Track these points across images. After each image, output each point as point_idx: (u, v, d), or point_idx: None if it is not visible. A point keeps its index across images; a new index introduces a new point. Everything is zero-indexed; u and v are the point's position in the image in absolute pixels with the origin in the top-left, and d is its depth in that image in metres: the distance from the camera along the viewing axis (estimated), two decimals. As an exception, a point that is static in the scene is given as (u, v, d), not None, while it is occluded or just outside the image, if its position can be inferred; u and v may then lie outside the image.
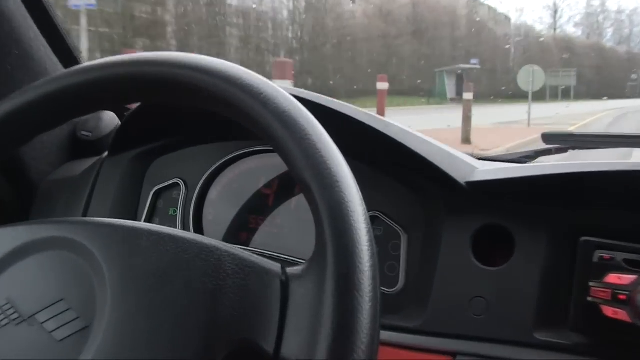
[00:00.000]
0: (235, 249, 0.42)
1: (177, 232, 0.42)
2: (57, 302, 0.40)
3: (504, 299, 0.68)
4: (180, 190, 0.85)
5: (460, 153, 0.76)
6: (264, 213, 0.82)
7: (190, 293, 0.39)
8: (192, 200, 0.84)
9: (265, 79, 0.44)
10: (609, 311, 0.64)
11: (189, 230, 0.83)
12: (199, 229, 0.84)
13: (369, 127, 0.71)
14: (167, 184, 0.87)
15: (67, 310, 0.39)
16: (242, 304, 0.39)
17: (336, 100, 0.74)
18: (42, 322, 0.39)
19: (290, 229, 0.80)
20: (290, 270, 0.41)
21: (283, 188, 0.82)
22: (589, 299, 0.65)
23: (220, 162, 0.84)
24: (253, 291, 0.40)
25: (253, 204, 0.83)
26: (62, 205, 0.88)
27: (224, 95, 0.43)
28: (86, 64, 0.49)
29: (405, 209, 0.75)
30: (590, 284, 0.65)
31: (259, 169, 0.83)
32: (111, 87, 0.47)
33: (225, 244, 0.42)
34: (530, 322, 0.67)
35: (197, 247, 0.41)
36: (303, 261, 0.73)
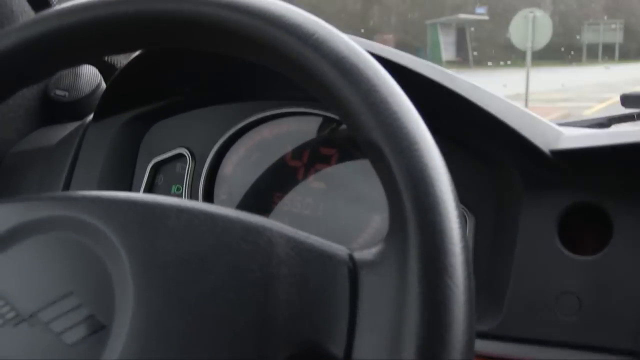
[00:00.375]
0: (289, 229, 0.38)
1: (214, 207, 0.38)
2: (65, 296, 0.36)
3: (600, 295, 0.60)
4: (186, 163, 0.78)
5: (539, 116, 0.67)
6: (292, 190, 0.75)
7: (235, 284, 0.36)
8: (201, 175, 0.77)
9: (317, 19, 0.40)
10: None
11: None
12: None
13: (429, 81, 0.62)
14: (168, 155, 0.79)
15: (78, 306, 0.36)
16: (301, 297, 0.36)
17: (384, 46, 0.65)
18: (48, 322, 0.36)
19: (326, 209, 0.72)
20: (358, 254, 0.38)
21: (316, 158, 0.74)
22: None
23: (237, 127, 0.76)
24: (314, 281, 0.37)
25: (278, 179, 0.76)
26: (35, 182, 0.79)
27: (264, 39, 0.39)
28: (72, 2, 0.43)
29: (472, 185, 0.67)
30: None
31: (284, 136, 0.75)
32: (110, 31, 0.42)
33: (275, 222, 0.38)
34: (634, 325, 0.60)
35: (240, 226, 0.37)
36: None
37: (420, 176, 0.35)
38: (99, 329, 0.36)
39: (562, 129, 0.66)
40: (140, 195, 0.40)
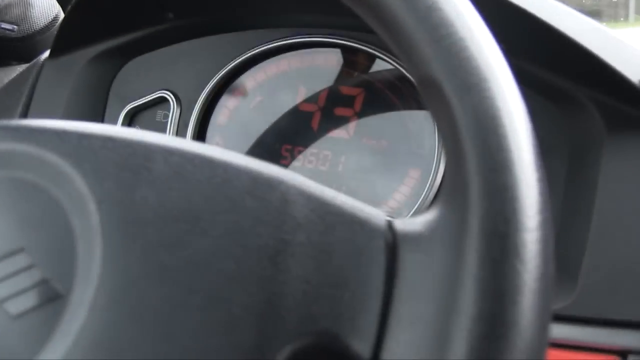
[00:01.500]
0: (311, 185, 0.35)
1: (214, 151, 0.36)
2: (14, 253, 0.34)
3: None
4: (170, 110, 0.74)
5: (627, 38, 0.64)
6: (305, 141, 0.71)
7: (236, 250, 0.33)
8: (188, 125, 0.72)
9: None
10: None
11: None
12: None
13: None
14: (147, 99, 0.74)
15: (29, 267, 0.33)
16: (320, 274, 0.34)
17: None
18: None
19: (349, 165, 0.69)
20: (400, 224, 0.35)
21: (336, 101, 0.70)
22: None
23: (233, 63, 0.72)
24: (340, 254, 0.34)
25: (287, 127, 0.72)
26: None
27: None
28: None
29: (538, 128, 0.63)
30: None
31: (294, 74, 0.72)
32: None
33: (294, 175, 0.35)
34: None
35: (248, 176, 0.34)
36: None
37: (491, 123, 0.32)
38: (53, 298, 0.33)
39: None
40: (119, 130, 0.36)
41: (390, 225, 0.35)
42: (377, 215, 0.36)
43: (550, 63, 0.62)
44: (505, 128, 0.32)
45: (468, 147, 0.32)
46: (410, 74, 0.35)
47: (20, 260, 0.34)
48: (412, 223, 0.35)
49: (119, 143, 0.35)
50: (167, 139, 0.36)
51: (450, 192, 0.33)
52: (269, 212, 0.34)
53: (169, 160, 0.35)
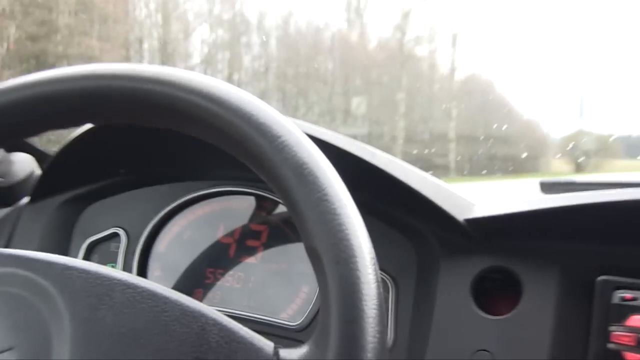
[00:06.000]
0: (224, 318, 0.43)
1: (158, 288, 0.43)
2: (6, 350, 0.40)
3: (511, 351, 0.69)
4: (120, 242, 0.85)
5: (454, 189, 0.78)
6: (224, 266, 0.83)
7: None
8: (134, 253, 0.86)
9: (285, 120, 0.45)
10: (633, 358, 0.65)
11: None
12: None
13: (351, 156, 0.71)
14: (103, 234, 0.88)
15: None
16: None
17: (310, 125, 0.74)
18: None
19: (257, 283, 0.81)
20: (284, 353, 0.43)
21: (246, 236, 0.84)
22: (610, 345, 0.67)
23: (170, 207, 0.86)
24: None
25: (210, 255, 0.85)
26: None
27: (224, 125, 0.44)
28: (27, 77, 0.48)
29: (394, 255, 0.77)
30: (611, 328, 0.67)
31: (216, 214, 0.85)
32: (64, 105, 0.47)
33: (212, 310, 0.43)
34: None
35: (179, 309, 0.42)
36: (272, 320, 0.77)
37: (351, 291, 0.39)
38: None
39: (476, 201, 0.76)
40: (93, 266, 0.43)
41: (276, 353, 0.42)
42: (268, 344, 0.42)
43: (402, 206, 0.75)
44: (361, 294, 0.39)
45: (333, 305, 0.40)
46: (303, 241, 0.42)
47: (10, 355, 0.39)
48: (293, 353, 0.42)
49: (92, 275, 0.42)
50: (127, 276, 0.43)
51: (320, 334, 0.41)
52: (190, 336, 0.40)
53: (125, 292, 0.41)
